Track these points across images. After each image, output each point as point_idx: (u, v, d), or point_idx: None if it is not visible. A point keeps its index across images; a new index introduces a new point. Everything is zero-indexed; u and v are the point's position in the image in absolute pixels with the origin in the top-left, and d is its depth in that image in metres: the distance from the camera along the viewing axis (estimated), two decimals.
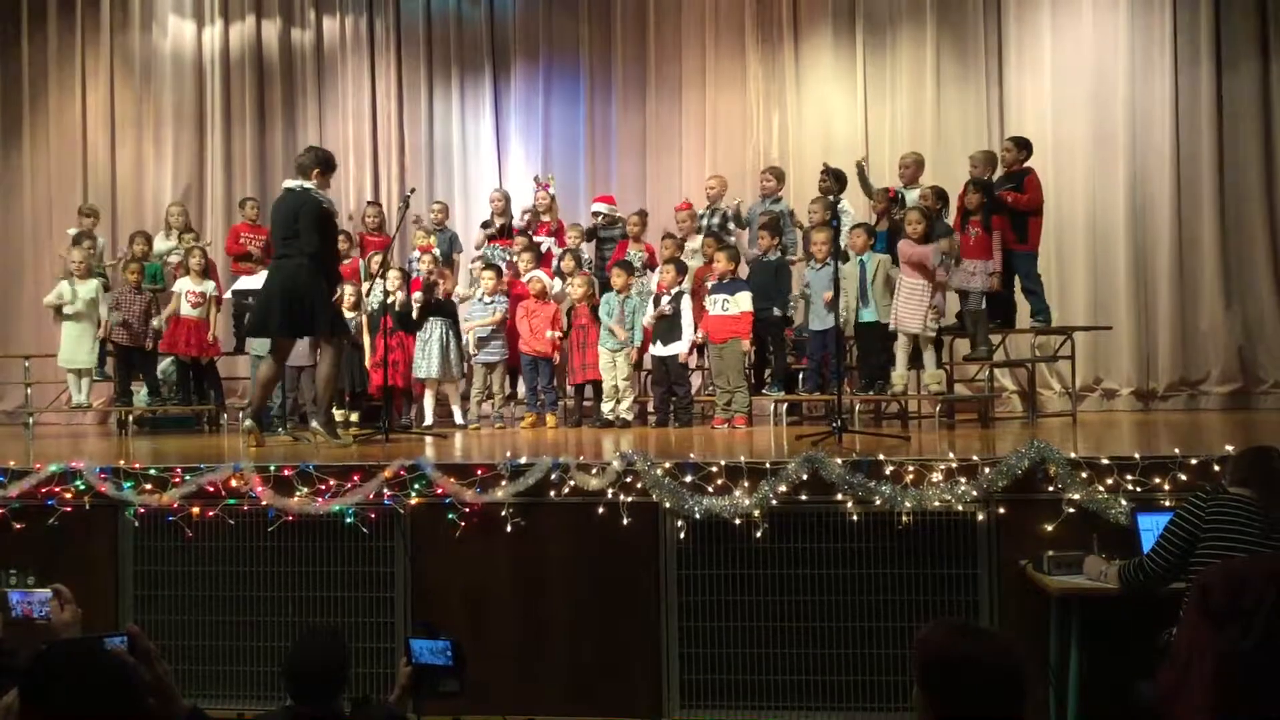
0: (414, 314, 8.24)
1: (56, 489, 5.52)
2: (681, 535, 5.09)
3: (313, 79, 11.30)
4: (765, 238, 8.16)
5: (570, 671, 5.21)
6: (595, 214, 9.25)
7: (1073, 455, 4.95)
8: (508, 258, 8.99)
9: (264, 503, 5.34)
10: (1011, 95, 9.79)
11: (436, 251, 8.91)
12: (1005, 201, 7.69)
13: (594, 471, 5.21)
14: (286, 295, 6.52)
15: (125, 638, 2.47)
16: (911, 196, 8.11)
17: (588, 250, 9.14)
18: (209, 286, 8.72)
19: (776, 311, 7.97)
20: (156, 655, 2.43)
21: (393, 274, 8.25)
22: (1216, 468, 4.73)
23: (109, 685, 2.08)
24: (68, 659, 2.16)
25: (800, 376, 8.17)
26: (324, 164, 6.76)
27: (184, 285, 8.66)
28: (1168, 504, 4.60)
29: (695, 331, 7.99)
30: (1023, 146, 7.96)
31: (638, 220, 8.96)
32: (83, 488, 5.52)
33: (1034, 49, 9.75)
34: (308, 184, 6.68)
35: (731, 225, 8.80)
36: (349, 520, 5.31)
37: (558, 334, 8.34)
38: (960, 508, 4.91)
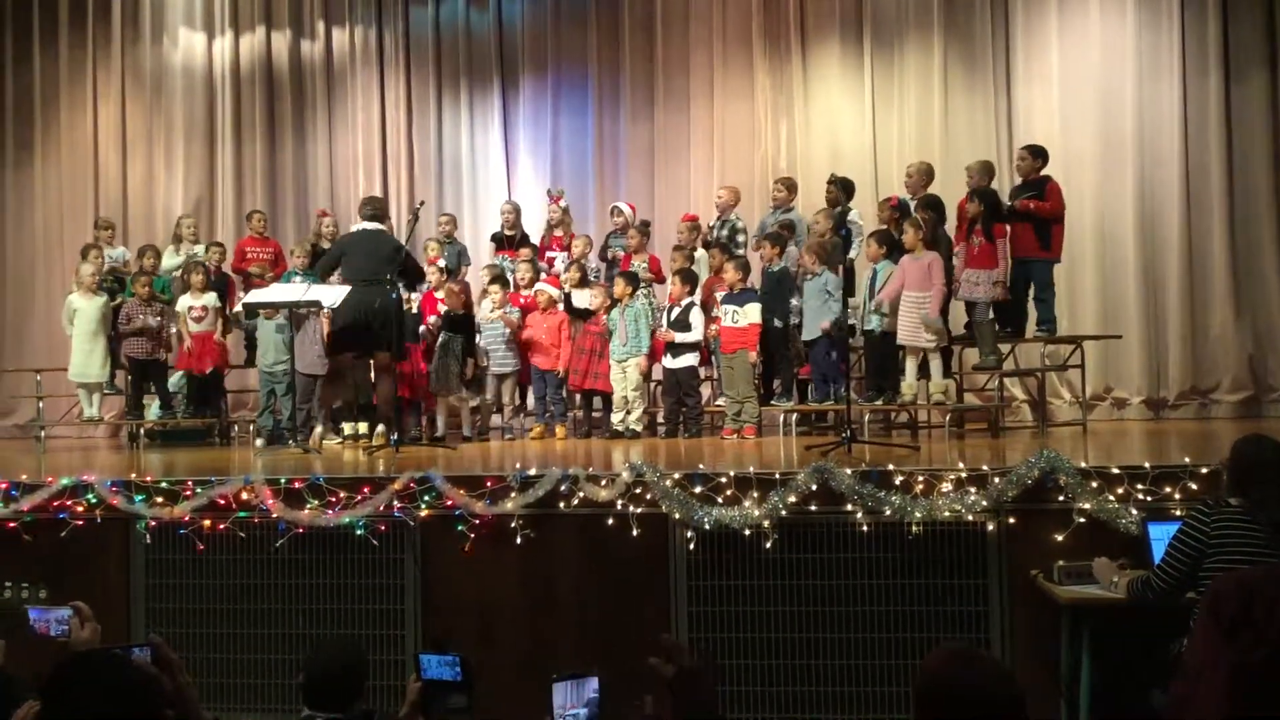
0: (424, 326, 8.29)
1: (68, 502, 5.55)
2: (691, 546, 5.09)
3: (322, 92, 11.35)
4: (767, 248, 8.15)
5: None
6: (617, 211, 9.24)
7: (1083, 465, 4.93)
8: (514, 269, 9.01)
9: (275, 515, 5.36)
10: (1019, 105, 9.77)
11: (443, 263, 8.94)
12: (1028, 209, 7.64)
13: (603, 483, 5.21)
14: (378, 315, 7.41)
15: (149, 648, 2.48)
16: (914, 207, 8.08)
17: (594, 259, 9.14)
18: (210, 299, 8.73)
19: (777, 323, 7.95)
20: (180, 666, 2.43)
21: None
22: (1226, 477, 4.71)
23: (131, 696, 2.07)
24: (91, 669, 2.15)
25: (809, 387, 8.16)
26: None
27: (185, 302, 8.67)
28: (1178, 513, 4.58)
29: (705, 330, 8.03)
30: (1037, 154, 7.88)
31: (636, 234, 8.93)
32: (94, 501, 5.54)
33: (1042, 59, 9.74)
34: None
35: (740, 238, 8.80)
36: (359, 532, 5.32)
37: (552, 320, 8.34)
38: (970, 518, 4.90)
